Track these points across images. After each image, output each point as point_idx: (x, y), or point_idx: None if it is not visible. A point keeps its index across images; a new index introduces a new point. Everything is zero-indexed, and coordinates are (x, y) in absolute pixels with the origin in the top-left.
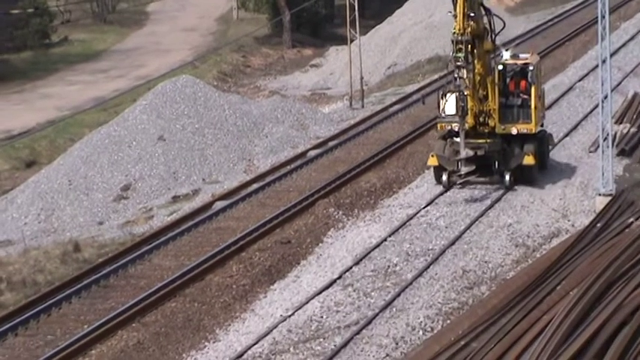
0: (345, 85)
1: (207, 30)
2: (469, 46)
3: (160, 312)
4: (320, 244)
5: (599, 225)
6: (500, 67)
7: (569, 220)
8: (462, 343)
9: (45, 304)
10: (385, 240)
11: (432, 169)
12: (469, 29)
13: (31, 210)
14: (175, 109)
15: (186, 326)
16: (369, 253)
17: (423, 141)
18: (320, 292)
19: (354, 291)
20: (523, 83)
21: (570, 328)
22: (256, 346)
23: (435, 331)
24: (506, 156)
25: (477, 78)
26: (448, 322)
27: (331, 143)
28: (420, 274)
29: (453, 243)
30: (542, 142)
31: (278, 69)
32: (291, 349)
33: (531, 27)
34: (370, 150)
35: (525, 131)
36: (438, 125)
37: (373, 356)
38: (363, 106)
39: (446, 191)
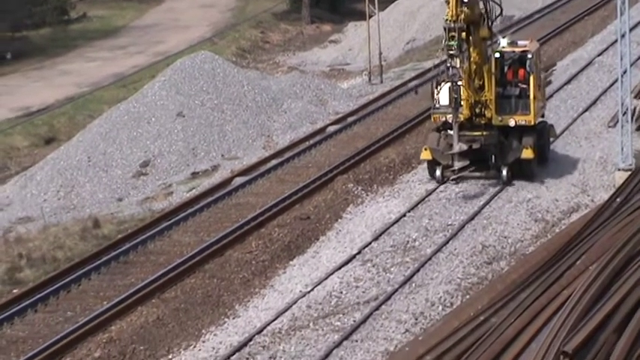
0: (364, 61)
1: (225, 6)
2: (462, 33)
3: (180, 288)
4: (339, 220)
5: (618, 200)
6: (497, 55)
7: (588, 195)
8: (482, 318)
9: (64, 281)
10: (404, 215)
11: (425, 163)
12: (462, 16)
13: (51, 187)
14: (194, 86)
15: (206, 302)
16: (388, 228)
17: None
18: (339, 268)
19: (374, 266)
20: (521, 72)
21: (590, 302)
22: (276, 322)
23: (455, 307)
24: (504, 149)
25: (473, 67)
26: (467, 297)
27: (350, 119)
28: (439, 250)
29: (472, 218)
30: (542, 134)
31: (297, 45)
32: (311, 324)
33: (550, 1)
34: (389, 125)
35: (524, 123)
36: (432, 117)
37: (392, 332)
38: (381, 82)
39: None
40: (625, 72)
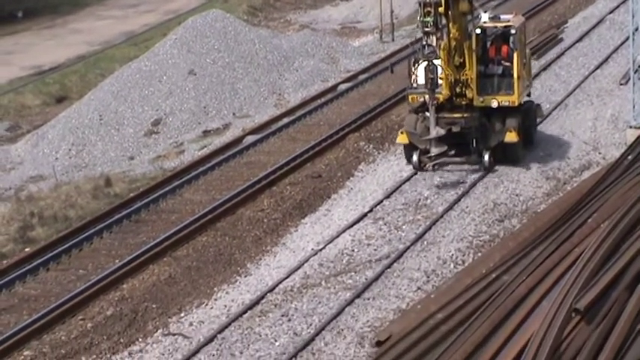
0: (376, 19)
1: None
2: (440, 8)
3: (192, 246)
4: (351, 178)
5: (629, 157)
6: (478, 30)
7: (599, 153)
8: (493, 275)
9: (76, 239)
10: (416, 173)
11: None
12: None
13: (62, 145)
14: (206, 44)
15: (218, 260)
16: (400, 186)
17: None
18: (351, 226)
19: (385, 224)
20: (504, 49)
21: (601, 260)
22: (287, 280)
23: (466, 264)
24: (486, 132)
25: (453, 43)
26: (479, 254)
27: (361, 77)
28: (450, 208)
29: (484, 176)
30: (527, 115)
31: (308, 3)
32: (323, 282)
33: None
34: (401, 83)
35: (507, 104)
36: (409, 97)
37: (405, 289)
38: (393, 40)
39: None
40: (637, 29)
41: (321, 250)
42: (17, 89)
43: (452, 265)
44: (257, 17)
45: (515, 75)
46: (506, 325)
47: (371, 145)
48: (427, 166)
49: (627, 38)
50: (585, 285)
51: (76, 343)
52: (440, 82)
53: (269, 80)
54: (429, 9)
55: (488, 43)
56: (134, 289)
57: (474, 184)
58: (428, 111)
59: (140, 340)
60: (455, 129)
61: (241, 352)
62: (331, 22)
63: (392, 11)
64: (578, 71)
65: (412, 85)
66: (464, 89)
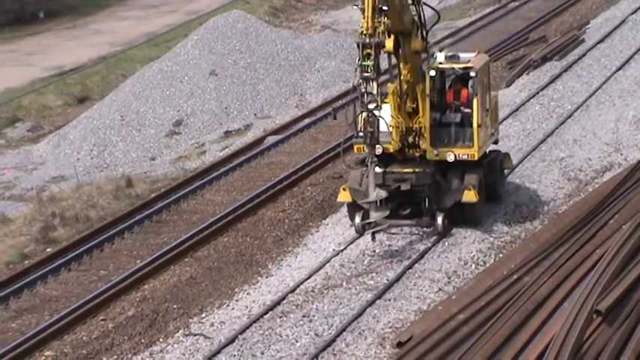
0: None
1: None
2: (388, 45)
3: (213, 247)
4: None
5: None
6: (433, 72)
7: (621, 154)
8: (515, 277)
9: (98, 240)
10: None
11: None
12: (381, 28)
13: (84, 146)
14: (227, 44)
15: (239, 261)
16: None
17: None
18: None
19: None
20: (464, 93)
21: (623, 261)
22: (309, 280)
23: (488, 265)
24: (440, 191)
25: (404, 86)
26: (500, 256)
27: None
28: None
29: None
30: (491, 169)
31: (329, 3)
32: (344, 283)
33: None
34: None
35: (466, 157)
36: (355, 147)
37: (426, 290)
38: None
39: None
40: None
41: (342, 250)
42: (39, 90)
43: (473, 266)
44: (278, 18)
45: (475, 124)
46: (527, 326)
47: None
48: (367, 234)
49: None
50: (607, 286)
51: (97, 343)
52: (390, 130)
53: (290, 81)
54: (368, 51)
55: (447, 87)
56: (155, 289)
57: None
58: (379, 162)
59: (161, 340)
60: (404, 187)
61: (262, 353)
62: (352, 23)
63: None
64: (600, 72)
65: (358, 133)
66: (417, 139)
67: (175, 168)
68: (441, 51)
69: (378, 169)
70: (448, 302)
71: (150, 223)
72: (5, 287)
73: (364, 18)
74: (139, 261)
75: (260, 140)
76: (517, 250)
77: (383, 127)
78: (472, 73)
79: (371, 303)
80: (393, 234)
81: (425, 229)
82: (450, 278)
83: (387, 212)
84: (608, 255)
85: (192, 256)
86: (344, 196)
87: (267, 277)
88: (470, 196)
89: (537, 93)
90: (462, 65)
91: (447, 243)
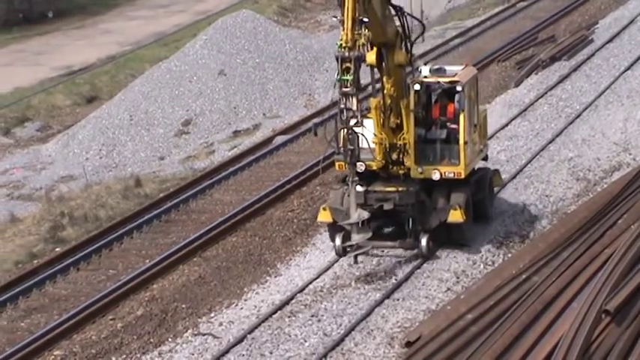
0: None
1: None
2: (360, 64)
3: (221, 246)
4: None
5: None
6: (417, 86)
7: (630, 154)
8: (523, 276)
9: (107, 239)
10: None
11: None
12: (361, 40)
13: (93, 145)
14: (236, 44)
15: (248, 260)
16: None
17: (484, 75)
18: None
19: None
20: (450, 108)
21: (631, 261)
22: (318, 280)
23: (496, 265)
24: (425, 211)
25: (388, 101)
26: (509, 255)
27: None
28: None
29: (514, 177)
30: (479, 187)
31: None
32: (353, 283)
33: None
34: None
35: (452, 176)
36: (336, 164)
37: (434, 290)
38: (423, 40)
39: (506, 125)
40: None
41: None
42: (48, 89)
43: (482, 266)
44: (287, 18)
45: (462, 141)
46: (535, 326)
47: None
48: (349, 256)
49: None
50: (615, 286)
51: (106, 342)
52: (373, 147)
53: (299, 81)
54: (348, 65)
55: (433, 101)
56: (164, 289)
57: (504, 185)
58: (361, 180)
59: (170, 340)
60: (387, 206)
61: (271, 353)
62: None
63: (422, 12)
64: (608, 72)
65: (340, 149)
66: (401, 156)
67: (184, 168)
68: (425, 64)
69: (359, 188)
70: (457, 302)
71: (159, 223)
72: (14, 287)
73: (343, 30)
74: (147, 260)
75: (269, 140)
76: (526, 249)
77: (366, 144)
78: (458, 88)
79: (379, 302)
80: (377, 256)
81: (408, 251)
82: (458, 278)
83: (370, 234)
84: (616, 255)
85: (200, 255)
86: (324, 216)
87: (275, 277)
88: (456, 216)
89: (546, 93)
90: (447, 79)
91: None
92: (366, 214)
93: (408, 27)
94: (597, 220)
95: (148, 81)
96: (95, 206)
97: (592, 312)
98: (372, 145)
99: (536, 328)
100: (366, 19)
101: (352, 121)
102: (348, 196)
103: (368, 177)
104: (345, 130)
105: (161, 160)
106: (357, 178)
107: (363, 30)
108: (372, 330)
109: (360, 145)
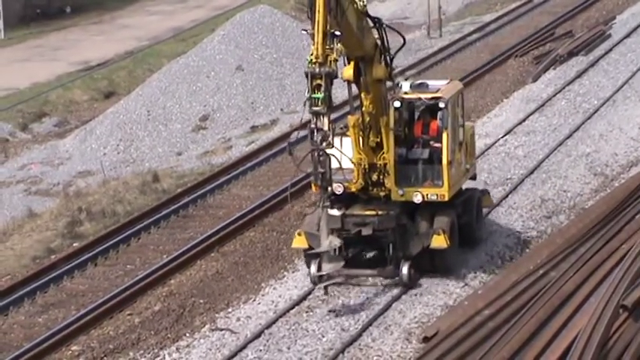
0: (423, 15)
1: None
2: (332, 81)
3: (239, 242)
4: None
5: None
6: (397, 103)
7: None
8: (541, 272)
9: (124, 234)
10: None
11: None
12: (333, 55)
13: (110, 141)
14: (253, 39)
15: (265, 256)
16: None
17: (502, 70)
18: None
19: None
20: (433, 126)
21: None
22: None
23: (514, 261)
24: (406, 236)
25: (367, 119)
26: (527, 251)
27: (409, 72)
28: (498, 204)
29: (531, 172)
30: (466, 209)
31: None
32: (370, 278)
33: None
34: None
35: (435, 198)
36: (313, 186)
37: (452, 286)
38: (440, 36)
39: (524, 120)
40: None
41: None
42: (65, 85)
43: (499, 261)
44: (305, 13)
45: (445, 161)
46: (553, 321)
47: None
48: (318, 286)
49: None
50: (633, 281)
51: (124, 338)
52: (352, 167)
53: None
54: (319, 82)
55: (415, 118)
56: (182, 284)
57: (521, 181)
58: (339, 202)
59: (188, 335)
60: (365, 232)
61: (288, 348)
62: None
63: (439, 7)
64: (626, 67)
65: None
66: (382, 177)
67: (202, 163)
68: (406, 80)
69: (336, 212)
70: (474, 297)
71: (176, 218)
72: (32, 282)
73: (314, 44)
74: (165, 256)
75: (286, 135)
76: (543, 245)
77: (345, 164)
78: (441, 104)
79: (397, 298)
80: (354, 285)
81: (388, 280)
82: (476, 273)
83: (342, 263)
84: (634, 250)
85: (218, 250)
86: (299, 242)
87: (293, 272)
88: (439, 241)
89: (563, 88)
90: (430, 95)
91: None
92: (337, 242)
93: (386, 39)
94: (615, 216)
95: (165, 76)
96: (113, 201)
97: (609, 307)
98: (351, 166)
99: (554, 324)
100: (338, 33)
101: (323, 143)
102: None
103: (347, 199)
104: (316, 151)
105: (179, 155)
106: (328, 203)
107: (335, 44)
108: (389, 325)
109: (339, 166)
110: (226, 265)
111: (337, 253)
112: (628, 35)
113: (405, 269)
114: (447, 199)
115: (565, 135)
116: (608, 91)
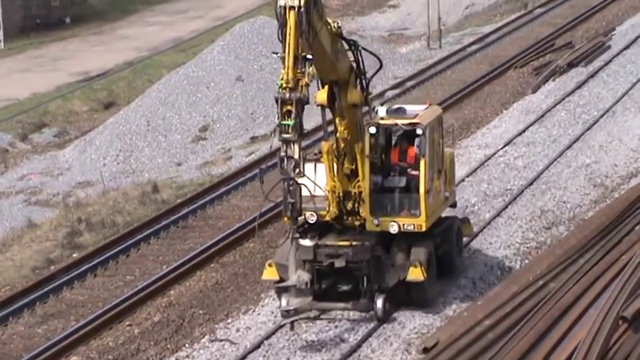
0: (423, 26)
1: None
2: (303, 107)
3: (239, 252)
4: None
5: None
6: (373, 129)
7: None
8: (540, 283)
9: (124, 245)
10: (463, 180)
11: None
12: (304, 80)
13: (110, 151)
14: (253, 50)
15: (265, 266)
16: None
17: (501, 81)
18: None
19: None
20: (411, 153)
21: None
22: None
23: (513, 271)
24: (382, 268)
25: (341, 145)
26: (526, 262)
27: (409, 83)
28: (498, 214)
29: (531, 183)
30: (445, 239)
31: (356, 10)
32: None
33: None
34: (448, 90)
35: (412, 228)
36: (284, 216)
37: (452, 297)
38: (440, 47)
39: (524, 131)
40: None
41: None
42: (65, 95)
43: (499, 272)
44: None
45: (423, 189)
46: (553, 332)
47: None
48: (284, 322)
49: None
50: (633, 293)
51: (123, 348)
52: (327, 197)
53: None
54: (289, 108)
55: (392, 145)
56: (181, 295)
57: (521, 192)
58: (307, 233)
59: (187, 346)
60: (338, 264)
61: (288, 359)
62: (379, 29)
63: (439, 18)
64: (626, 78)
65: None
66: (357, 206)
67: (201, 173)
68: (382, 105)
69: (308, 242)
70: (474, 308)
71: (176, 229)
72: (31, 292)
73: (284, 68)
74: (164, 266)
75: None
76: (543, 256)
77: (318, 192)
78: (419, 130)
79: (396, 308)
80: (327, 320)
81: (362, 313)
82: (475, 284)
83: (309, 298)
84: (634, 261)
85: (218, 261)
86: (269, 274)
87: None
88: (416, 273)
89: (563, 99)
90: (407, 121)
91: (472, 249)
92: (306, 277)
93: (362, 62)
94: (615, 227)
95: (165, 87)
96: (112, 212)
97: (609, 319)
98: (324, 194)
99: (554, 335)
100: (309, 56)
101: (294, 172)
102: (297, 249)
103: (321, 228)
104: (286, 181)
105: (178, 166)
106: (297, 235)
107: (307, 68)
108: (389, 336)
109: (312, 194)
110: (226, 276)
111: (307, 286)
112: (627, 47)
113: (379, 303)
114: (424, 229)
115: (565, 146)
116: (607, 102)
